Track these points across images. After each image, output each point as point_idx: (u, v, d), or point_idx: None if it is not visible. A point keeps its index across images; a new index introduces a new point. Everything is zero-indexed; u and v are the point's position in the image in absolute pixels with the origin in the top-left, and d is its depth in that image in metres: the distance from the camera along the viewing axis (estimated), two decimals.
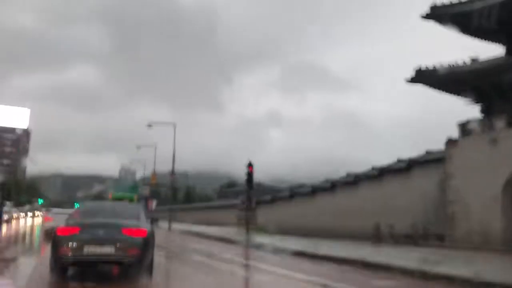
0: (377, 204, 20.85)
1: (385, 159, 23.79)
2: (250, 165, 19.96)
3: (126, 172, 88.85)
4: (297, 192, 30.28)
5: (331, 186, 26.34)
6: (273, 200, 32.03)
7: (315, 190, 28.04)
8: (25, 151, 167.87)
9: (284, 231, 25.38)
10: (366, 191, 22.91)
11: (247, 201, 23.32)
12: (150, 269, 8.87)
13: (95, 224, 8.20)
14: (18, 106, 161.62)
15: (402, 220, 18.83)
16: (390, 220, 19.24)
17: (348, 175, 25.57)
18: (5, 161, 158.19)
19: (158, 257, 11.00)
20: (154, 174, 42.08)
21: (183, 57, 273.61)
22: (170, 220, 35.66)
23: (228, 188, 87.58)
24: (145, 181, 54.76)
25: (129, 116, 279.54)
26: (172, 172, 36.81)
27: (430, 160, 20.10)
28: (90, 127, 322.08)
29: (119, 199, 34.62)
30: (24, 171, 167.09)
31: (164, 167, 43.24)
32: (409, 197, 19.73)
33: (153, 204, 40.86)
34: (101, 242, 7.87)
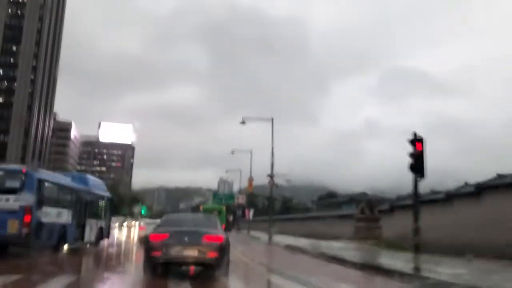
0: None
1: (497, 169, 17.18)
2: (417, 141, 11.68)
3: (224, 184, 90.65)
4: (425, 200, 24.60)
5: (477, 192, 20.45)
6: (392, 210, 26.67)
7: (451, 197, 22.28)
8: (129, 165, 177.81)
9: (406, 246, 20.08)
10: None
11: (369, 208, 18.26)
12: (226, 270, 10.08)
13: (181, 231, 9.77)
14: (123, 123, 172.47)
15: None
16: None
17: (500, 176, 19.59)
18: (112, 175, 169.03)
19: None
20: (251, 180, 38.50)
21: (278, 70, 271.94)
22: (271, 231, 31.79)
23: (327, 198, 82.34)
24: (241, 191, 52.65)
25: (226, 130, 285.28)
26: (271, 173, 32.30)
27: None
28: (191, 143, 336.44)
29: (209, 210, 37.40)
30: (129, 184, 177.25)
31: (259, 180, 42.74)
32: None
33: (250, 213, 37.44)
34: (186, 246, 9.41)
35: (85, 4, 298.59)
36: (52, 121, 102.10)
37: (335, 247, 21.33)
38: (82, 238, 17.96)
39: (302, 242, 25.88)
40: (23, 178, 14.02)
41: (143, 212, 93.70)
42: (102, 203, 20.64)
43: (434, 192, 24.38)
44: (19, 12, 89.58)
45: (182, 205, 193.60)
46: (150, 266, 9.80)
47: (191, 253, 9.35)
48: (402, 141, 13.22)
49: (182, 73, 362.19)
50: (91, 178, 21.09)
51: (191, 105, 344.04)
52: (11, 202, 13.62)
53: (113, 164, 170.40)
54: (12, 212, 13.47)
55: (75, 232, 17.02)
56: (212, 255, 9.36)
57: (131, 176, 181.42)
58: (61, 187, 16.23)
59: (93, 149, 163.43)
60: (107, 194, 21.83)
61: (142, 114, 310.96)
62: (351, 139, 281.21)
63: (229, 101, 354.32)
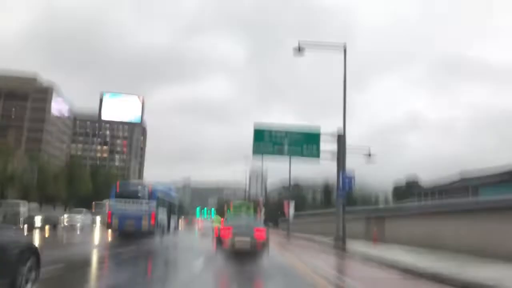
0: None
1: None
2: None
3: (257, 178, 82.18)
4: None
5: None
6: None
7: None
8: (138, 148, 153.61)
9: None
10: None
11: None
12: (268, 249, 16.20)
13: (240, 225, 16.45)
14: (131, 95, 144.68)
15: None
16: None
17: None
18: (119, 156, 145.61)
19: None
20: None
21: (317, 61, 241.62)
22: None
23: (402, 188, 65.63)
24: None
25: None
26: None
27: None
28: (219, 137, 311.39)
29: (239, 206, 44.83)
30: (140, 172, 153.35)
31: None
32: None
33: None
34: (244, 235, 15.48)
35: None
36: None
37: None
38: (169, 229, 28.39)
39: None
40: (150, 191, 24.04)
41: None
42: (176, 204, 33.07)
43: None
44: None
45: (210, 200, 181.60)
46: (220, 247, 16.23)
47: (247, 239, 15.28)
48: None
49: (212, 63, 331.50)
50: (171, 187, 33.46)
51: (221, 98, 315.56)
52: (144, 207, 23.42)
53: (118, 143, 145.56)
54: (144, 214, 23.21)
55: (167, 225, 27.74)
56: (260, 240, 15.44)
57: (141, 164, 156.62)
58: (164, 197, 26.94)
59: (91, 126, 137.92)
60: (177, 196, 36.23)
61: (171, 107, 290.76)
62: (393, 132, 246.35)
63: (261, 94, 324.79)
